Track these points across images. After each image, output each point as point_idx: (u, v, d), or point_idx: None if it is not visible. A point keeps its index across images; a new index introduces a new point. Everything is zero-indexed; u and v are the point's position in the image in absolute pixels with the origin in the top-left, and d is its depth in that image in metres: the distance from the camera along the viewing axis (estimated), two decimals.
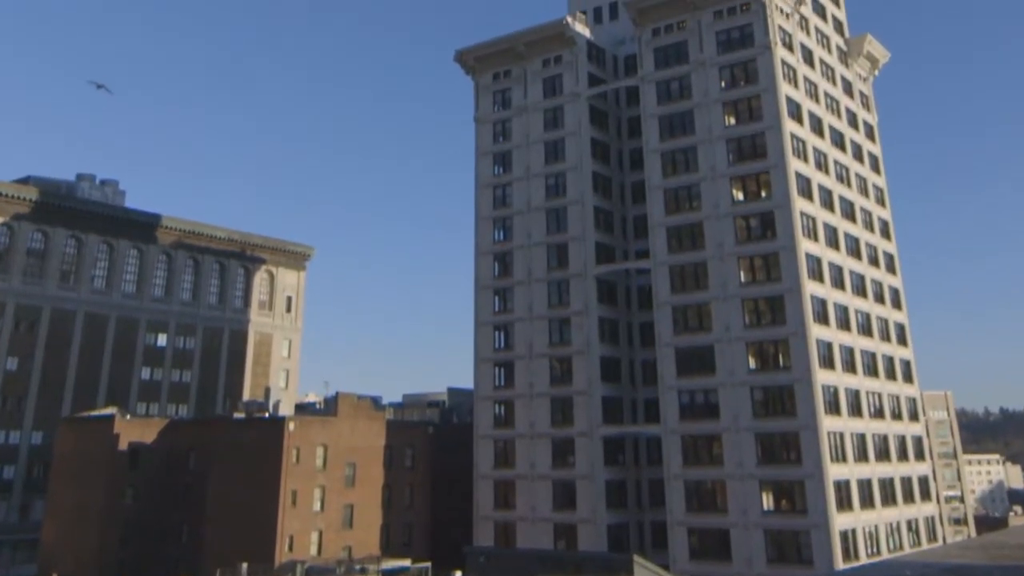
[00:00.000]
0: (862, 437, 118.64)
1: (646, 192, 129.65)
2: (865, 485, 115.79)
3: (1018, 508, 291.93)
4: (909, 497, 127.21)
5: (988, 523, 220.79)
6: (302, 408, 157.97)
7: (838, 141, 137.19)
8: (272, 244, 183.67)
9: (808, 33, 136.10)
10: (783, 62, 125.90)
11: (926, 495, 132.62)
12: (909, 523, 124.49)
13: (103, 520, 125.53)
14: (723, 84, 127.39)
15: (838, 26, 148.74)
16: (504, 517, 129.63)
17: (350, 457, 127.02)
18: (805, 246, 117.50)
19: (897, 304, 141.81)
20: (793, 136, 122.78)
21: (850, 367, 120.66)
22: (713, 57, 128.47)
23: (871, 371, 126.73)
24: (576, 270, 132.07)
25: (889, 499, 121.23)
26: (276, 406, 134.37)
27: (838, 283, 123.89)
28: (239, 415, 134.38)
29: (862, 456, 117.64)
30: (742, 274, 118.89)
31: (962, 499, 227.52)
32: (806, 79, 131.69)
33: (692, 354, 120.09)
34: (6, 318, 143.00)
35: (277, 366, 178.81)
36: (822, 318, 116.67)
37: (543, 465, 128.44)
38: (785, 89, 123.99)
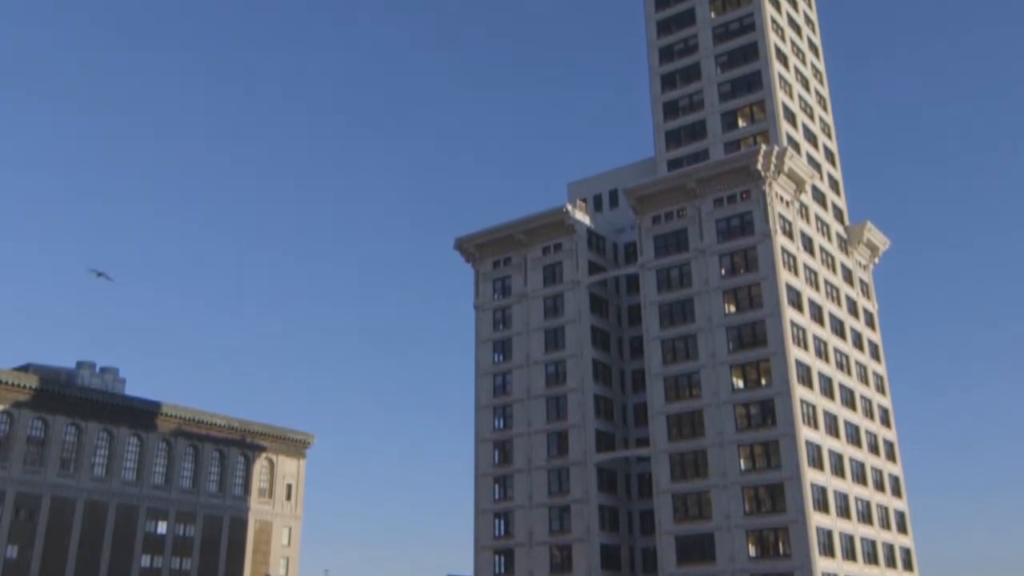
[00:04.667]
0: None
1: (646, 380, 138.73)
2: None
3: None
4: None
5: None
6: None
7: (838, 329, 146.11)
8: (272, 432, 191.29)
9: (808, 221, 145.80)
10: (783, 250, 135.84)
11: None
12: None
13: None
14: (723, 272, 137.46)
15: (838, 214, 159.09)
16: None
17: None
18: (805, 434, 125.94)
19: (897, 492, 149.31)
20: (793, 324, 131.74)
21: (850, 555, 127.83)
22: (713, 245, 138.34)
23: (871, 559, 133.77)
24: (576, 458, 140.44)
25: None
26: None
27: (838, 471, 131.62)
28: None
29: None
30: (742, 462, 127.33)
31: None
32: (806, 267, 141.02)
33: (692, 542, 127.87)
34: (6, 506, 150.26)
35: (277, 554, 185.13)
36: (822, 506, 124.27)
37: None
38: (785, 277, 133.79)
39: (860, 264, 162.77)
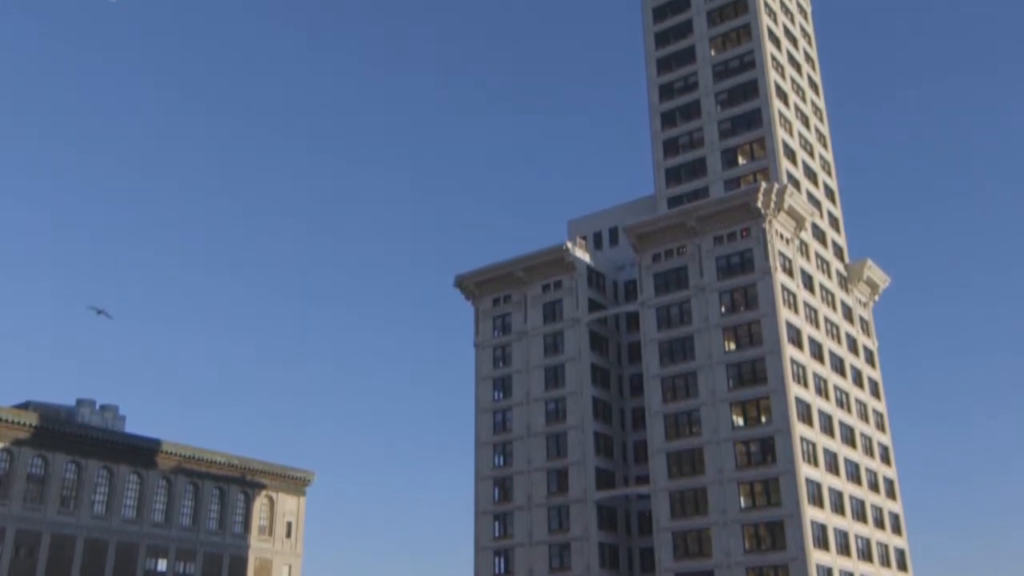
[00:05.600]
0: None
1: (646, 417, 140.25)
2: None
3: None
4: None
5: None
6: None
7: (838, 366, 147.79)
8: (272, 470, 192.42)
9: (808, 258, 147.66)
10: (783, 287, 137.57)
11: None
12: None
13: None
14: (723, 309, 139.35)
15: (838, 251, 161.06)
16: None
17: None
18: (805, 471, 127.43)
19: (897, 529, 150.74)
20: (793, 361, 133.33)
21: None
22: (713, 282, 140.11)
23: None
24: (576, 495, 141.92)
25: None
26: None
27: (838, 508, 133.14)
28: None
29: None
30: (742, 499, 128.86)
31: None
32: (806, 304, 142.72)
33: None
34: (6, 543, 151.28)
35: None
36: (822, 543, 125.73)
37: None
38: (785, 314, 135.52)
39: (860, 301, 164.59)
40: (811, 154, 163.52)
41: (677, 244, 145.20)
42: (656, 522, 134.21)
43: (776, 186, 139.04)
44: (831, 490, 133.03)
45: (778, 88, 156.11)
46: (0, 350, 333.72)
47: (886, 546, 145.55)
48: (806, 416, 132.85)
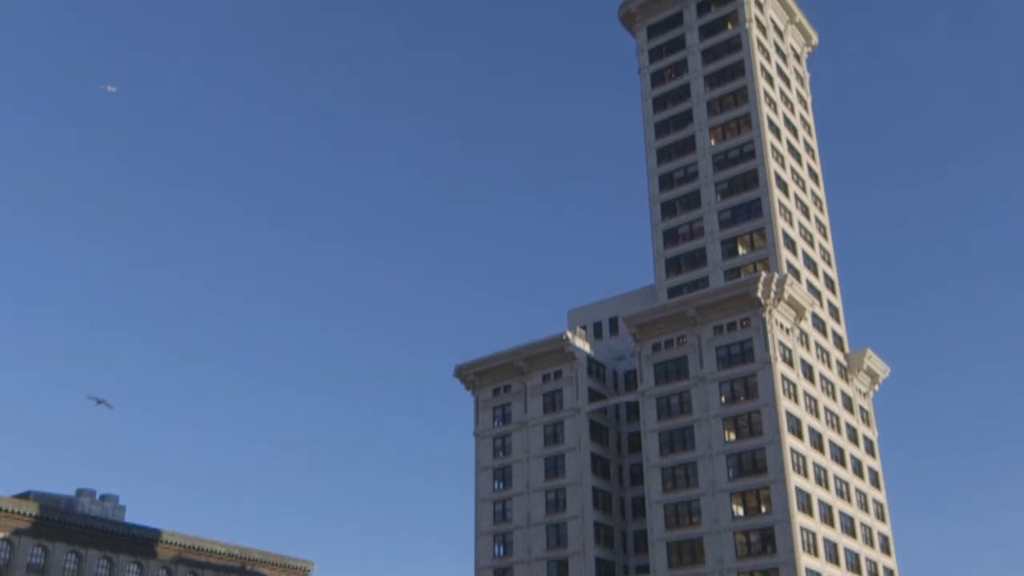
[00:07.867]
0: None
1: (646, 507, 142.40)
2: None
3: None
4: None
5: None
6: None
7: (838, 456, 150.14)
8: (272, 559, 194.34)
9: (808, 348, 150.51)
10: (783, 378, 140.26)
11: None
12: None
13: None
14: (723, 399, 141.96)
15: (838, 341, 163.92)
16: None
17: None
18: (805, 561, 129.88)
19: None
20: (793, 451, 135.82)
21: None
22: (713, 372, 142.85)
23: None
24: None
25: None
26: None
27: None
28: None
29: None
30: None
31: None
32: (806, 394, 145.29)
33: None
34: None
35: None
36: None
37: None
38: (785, 405, 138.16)
39: (860, 391, 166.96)
40: (811, 244, 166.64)
41: (677, 334, 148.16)
42: None
43: (776, 276, 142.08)
44: None
45: (778, 178, 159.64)
46: (0, 440, 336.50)
47: None
48: (806, 506, 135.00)
